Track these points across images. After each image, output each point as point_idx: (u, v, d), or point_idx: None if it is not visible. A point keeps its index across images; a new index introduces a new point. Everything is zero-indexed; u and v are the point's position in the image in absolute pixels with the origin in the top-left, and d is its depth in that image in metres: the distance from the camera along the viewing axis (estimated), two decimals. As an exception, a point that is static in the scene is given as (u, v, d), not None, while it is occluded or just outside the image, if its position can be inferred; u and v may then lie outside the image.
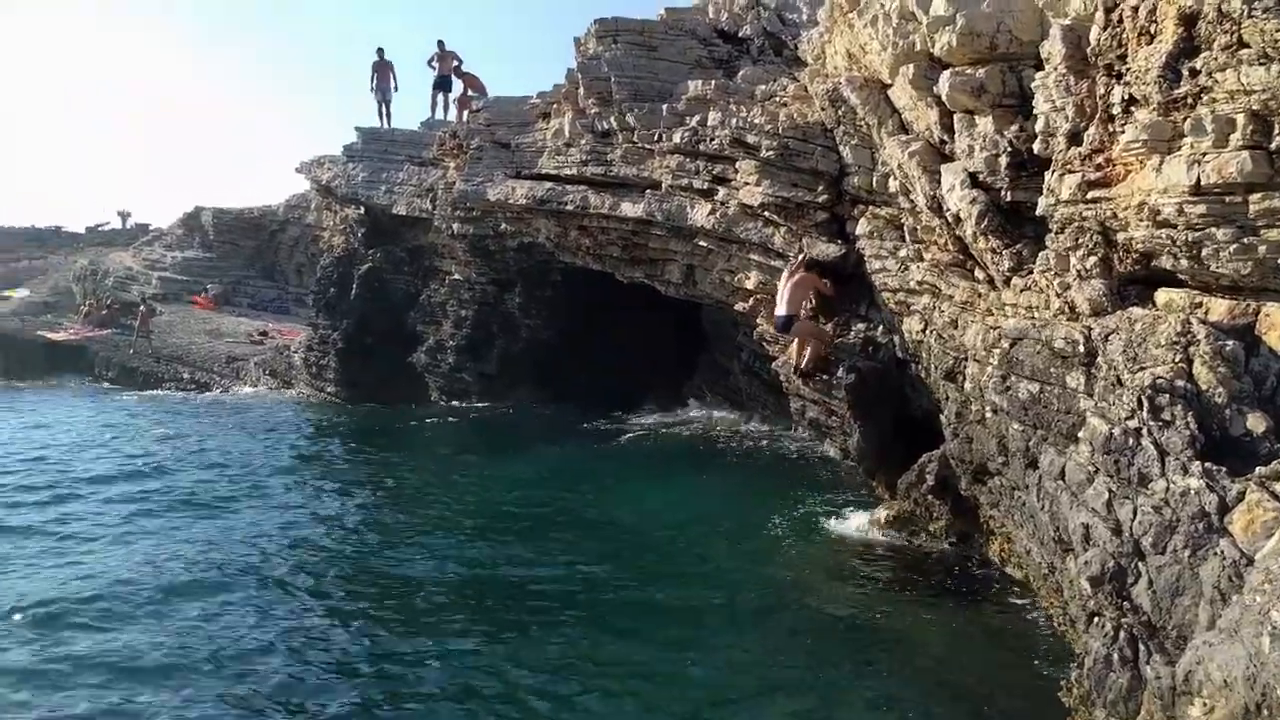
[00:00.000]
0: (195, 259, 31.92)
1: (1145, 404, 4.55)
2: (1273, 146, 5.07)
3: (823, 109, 10.70)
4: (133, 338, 25.85)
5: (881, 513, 9.07)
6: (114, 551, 8.85)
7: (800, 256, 10.68)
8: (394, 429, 16.52)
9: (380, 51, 22.22)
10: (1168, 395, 4.54)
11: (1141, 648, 3.98)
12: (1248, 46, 5.24)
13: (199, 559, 8.56)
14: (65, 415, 18.93)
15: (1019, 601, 7.01)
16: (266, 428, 16.69)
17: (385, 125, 22.30)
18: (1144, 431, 4.45)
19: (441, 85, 21.40)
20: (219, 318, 28.03)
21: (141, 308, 26.42)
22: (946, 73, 8.34)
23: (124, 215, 45.84)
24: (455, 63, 21.12)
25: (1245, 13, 5.18)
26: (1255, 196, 5.09)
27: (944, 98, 8.41)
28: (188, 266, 31.65)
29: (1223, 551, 3.64)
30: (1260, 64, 5.12)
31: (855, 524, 9.21)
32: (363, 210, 20.88)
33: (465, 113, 19.90)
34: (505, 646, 6.59)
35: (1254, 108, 5.14)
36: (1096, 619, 4.30)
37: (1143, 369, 4.88)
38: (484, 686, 5.99)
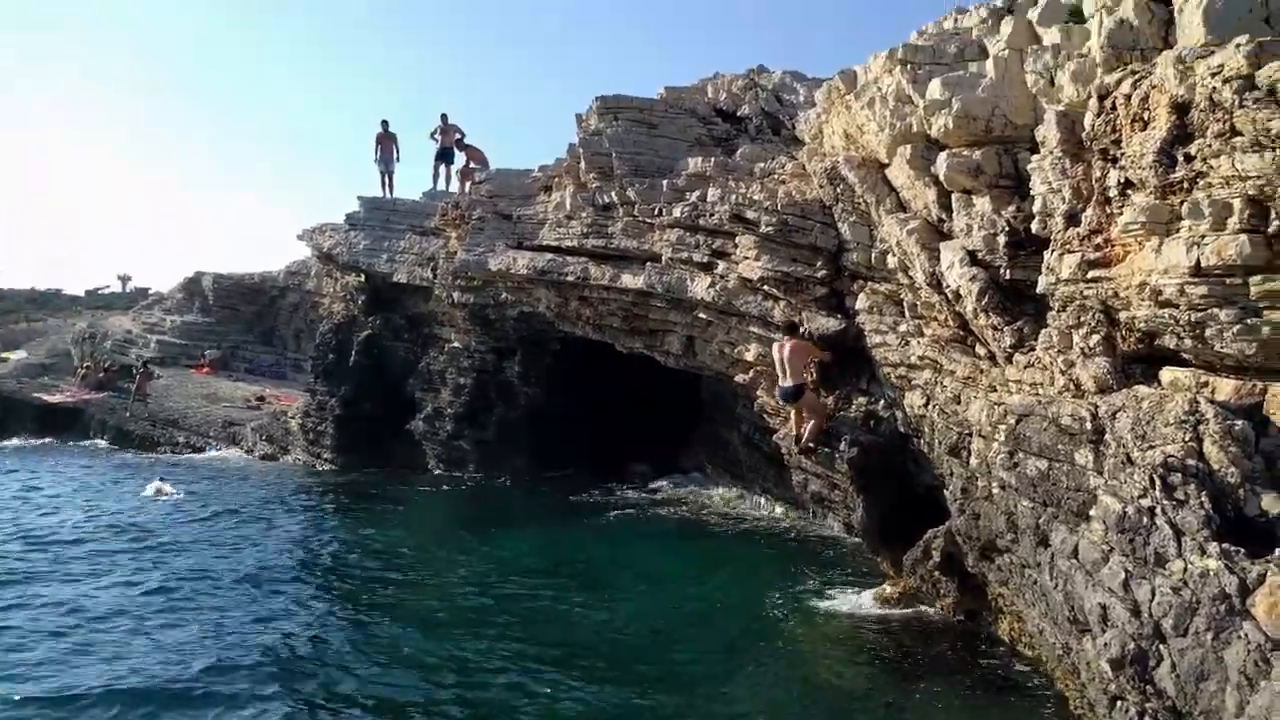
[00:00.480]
0: (195, 323, 31.98)
1: (1158, 482, 4.56)
2: (1270, 230, 5.20)
3: (821, 187, 10.93)
4: (129, 400, 25.73)
5: (887, 589, 8.98)
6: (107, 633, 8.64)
7: (795, 328, 10.67)
8: (388, 497, 16.34)
9: (384, 124, 22.70)
10: (1180, 474, 4.56)
11: (1167, 734, 3.93)
12: (1240, 135, 5.41)
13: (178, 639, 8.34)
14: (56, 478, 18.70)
15: (1030, 681, 6.91)
16: (260, 497, 16.49)
17: (388, 195, 22.64)
18: (1158, 510, 4.45)
19: (444, 157, 21.81)
20: (216, 382, 27.95)
21: (139, 371, 26.37)
22: (943, 154, 8.57)
23: (124, 279, 46.18)
24: (458, 135, 21.57)
25: (1236, 103, 5.37)
26: (1255, 279, 5.20)
27: (941, 178, 8.62)
28: (187, 331, 31.69)
29: (1247, 635, 3.62)
30: (1254, 151, 5.28)
31: (860, 602, 9.10)
32: (363, 278, 21.06)
33: (468, 184, 20.24)
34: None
35: (1250, 193, 5.29)
36: (1119, 703, 4.25)
37: (1153, 447, 4.91)
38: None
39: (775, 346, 10.69)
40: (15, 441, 25.55)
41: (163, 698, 6.88)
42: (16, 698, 6.82)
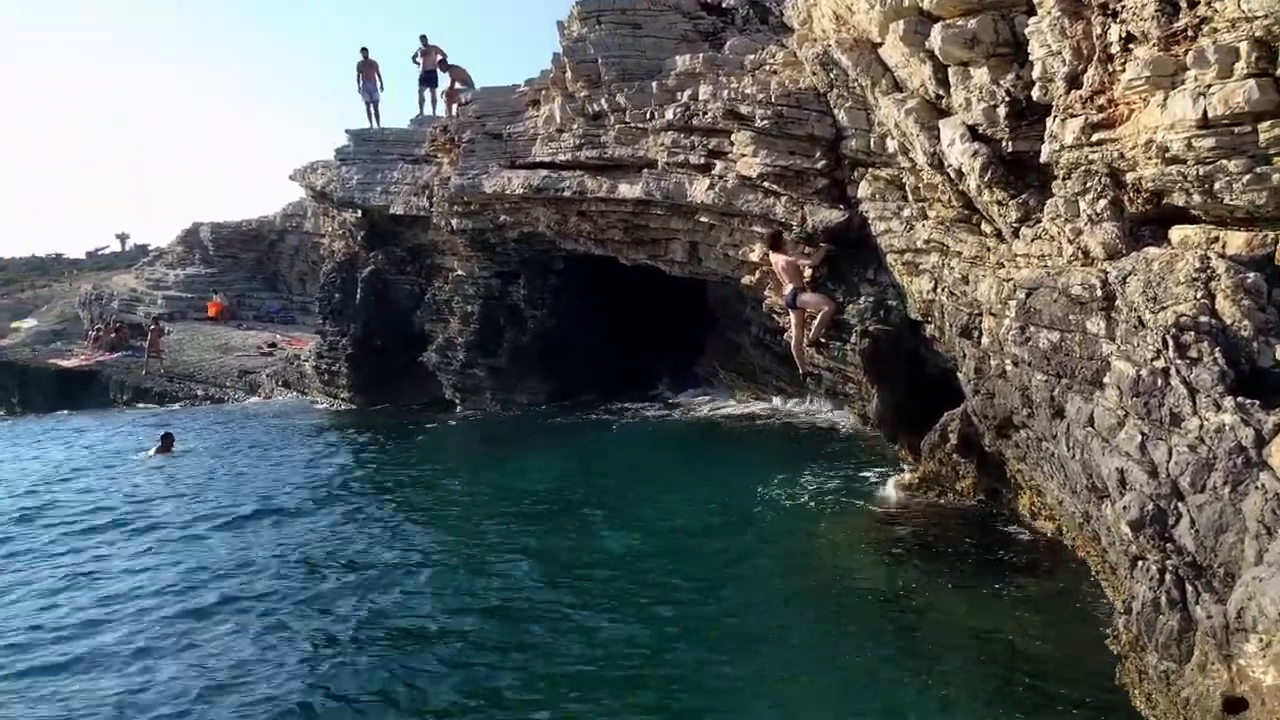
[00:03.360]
0: (197, 275, 31.97)
1: (1171, 343, 4.50)
2: (1279, 73, 4.99)
3: (814, 74, 10.59)
4: (143, 359, 25.95)
5: (907, 475, 9.06)
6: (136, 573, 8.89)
7: (778, 240, 10.88)
8: (408, 430, 16.53)
9: (364, 51, 22.07)
10: (1193, 332, 4.49)
11: (1189, 588, 3.96)
12: (1247, -28, 5.15)
13: (218, 575, 8.56)
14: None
15: (1050, 555, 7.01)
16: (283, 440, 16.73)
17: (375, 125, 22.17)
18: (1172, 371, 4.40)
19: (427, 80, 21.24)
20: (227, 332, 28.11)
21: (150, 328, 26.51)
22: (937, 26, 8.23)
23: (122, 237, 46.09)
24: (439, 57, 20.97)
25: (1243, -62, 5.08)
26: (1265, 125, 5.01)
27: (937, 52, 8.30)
28: (190, 283, 31.71)
29: (1264, 485, 3.61)
30: (1261, -11, 5.03)
31: (882, 490, 9.20)
32: (360, 213, 20.82)
33: (454, 106, 19.76)
34: (541, 636, 6.62)
35: (1257, 34, 5.05)
36: (1140, 563, 4.28)
37: (1164, 308, 4.83)
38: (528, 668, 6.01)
39: (772, 259, 10.85)
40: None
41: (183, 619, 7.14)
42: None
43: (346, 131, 21.86)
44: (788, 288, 10.64)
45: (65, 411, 24.77)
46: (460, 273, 18.76)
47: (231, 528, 10.22)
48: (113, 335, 28.55)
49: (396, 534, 9.67)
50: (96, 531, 10.45)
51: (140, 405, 24.57)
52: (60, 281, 40.07)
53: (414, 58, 21.25)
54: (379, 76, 22.15)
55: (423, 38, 21.14)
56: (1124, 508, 4.35)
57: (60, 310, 35.47)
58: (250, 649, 6.71)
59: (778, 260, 10.77)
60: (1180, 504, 4.01)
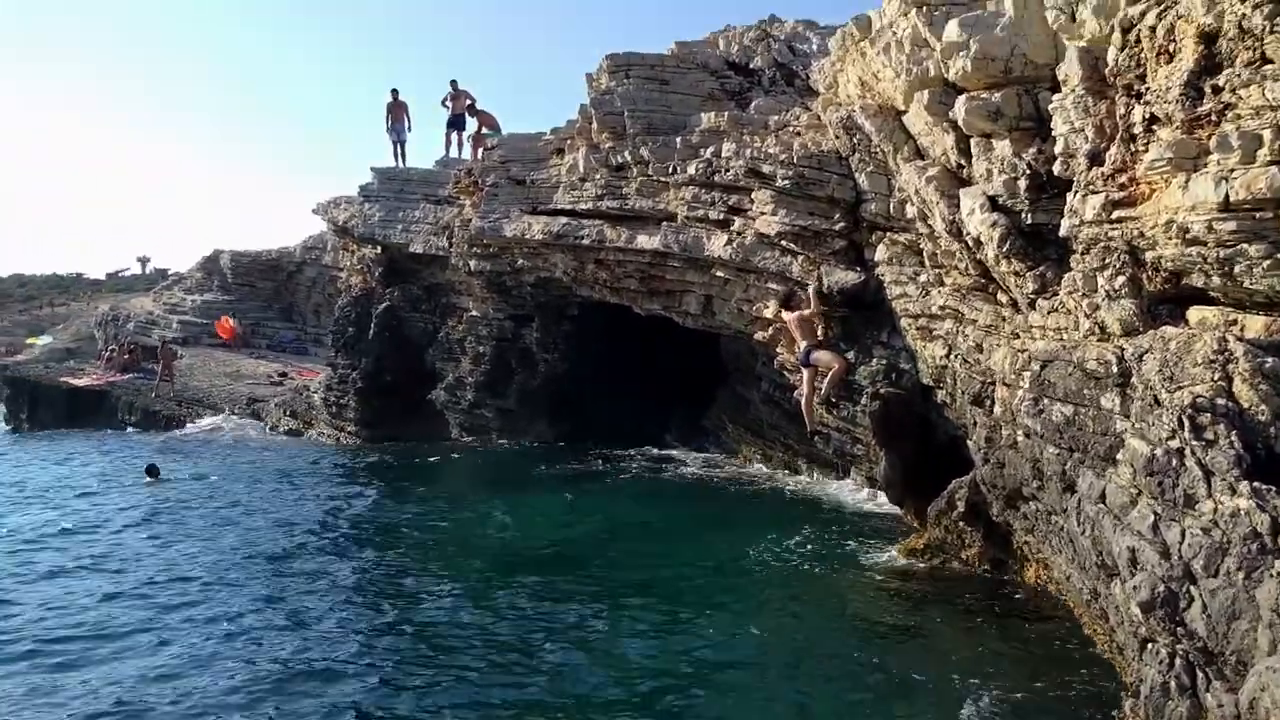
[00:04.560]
0: (214, 302, 32.22)
1: (1187, 424, 4.47)
2: (1302, 161, 5.03)
3: (837, 137, 10.74)
4: (155, 381, 26.04)
5: (913, 541, 8.95)
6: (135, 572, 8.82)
7: (791, 299, 11.23)
8: (412, 468, 16.47)
9: (394, 92, 22.52)
10: (1209, 414, 4.47)
11: (1199, 675, 3.88)
12: (1272, 62, 5.23)
13: (218, 604, 8.49)
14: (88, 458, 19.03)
15: (1057, 628, 6.88)
16: (286, 470, 16.68)
17: (400, 165, 22.54)
18: (1187, 452, 4.37)
19: (455, 124, 21.62)
20: (239, 359, 28.21)
21: (162, 350, 26.60)
22: (962, 98, 8.37)
23: (144, 260, 46.63)
24: (468, 101, 21.37)
25: (1268, 29, 5.17)
26: (1286, 212, 5.04)
27: (960, 122, 8.43)
28: (207, 309, 31.94)
29: (1279, 572, 3.55)
30: (1285, 79, 5.10)
31: (886, 555, 9.09)
32: (379, 249, 21.04)
33: (480, 150, 20.09)
34: (530, 690, 6.50)
35: (1280, 122, 5.12)
36: (1150, 645, 4.20)
37: (1181, 388, 4.81)
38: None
39: (785, 317, 11.13)
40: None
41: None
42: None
43: (372, 169, 22.22)
44: (801, 345, 10.75)
45: (65, 430, 24.82)
46: (475, 313, 18.87)
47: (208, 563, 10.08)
48: (126, 356, 28.68)
49: (353, 564, 9.62)
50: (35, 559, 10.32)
51: (140, 430, 24.57)
52: (79, 300, 40.48)
53: (443, 101, 21.66)
54: (408, 117, 22.58)
55: (453, 82, 21.58)
56: (1134, 588, 4.29)
57: (76, 329, 35.75)
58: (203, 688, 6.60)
59: (791, 319, 11.01)
60: (1193, 587, 3.95)
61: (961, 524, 8.41)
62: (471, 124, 21.16)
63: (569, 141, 16.69)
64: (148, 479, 15.38)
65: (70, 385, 27.63)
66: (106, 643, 7.49)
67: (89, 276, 46.67)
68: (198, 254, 38.02)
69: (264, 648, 7.29)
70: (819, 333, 10.84)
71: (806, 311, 10.80)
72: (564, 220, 15.34)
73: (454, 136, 21.80)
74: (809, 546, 9.61)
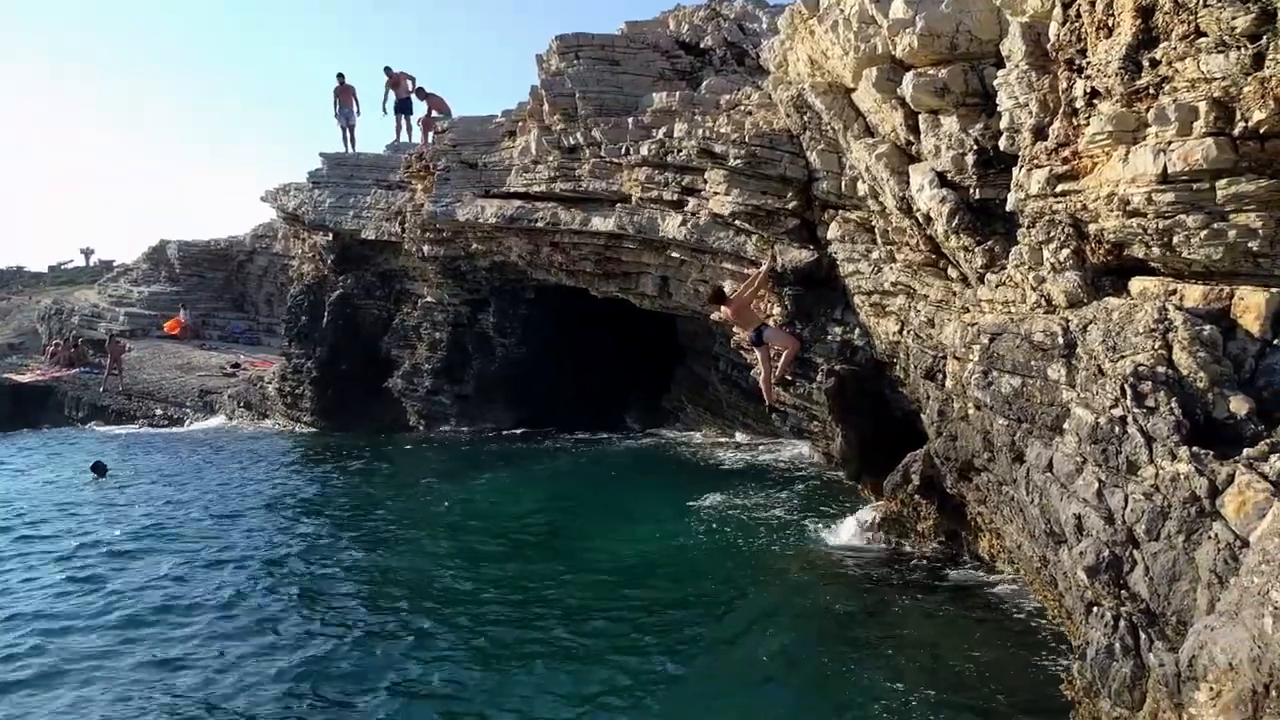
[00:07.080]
0: (162, 293, 31.48)
1: (1128, 392, 4.57)
2: (1236, 132, 5.13)
3: (788, 116, 10.75)
4: (103, 375, 25.40)
5: (869, 515, 9.07)
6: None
7: (720, 293, 11.10)
8: (368, 456, 16.29)
9: (340, 76, 22.08)
10: (1150, 382, 4.56)
11: (1143, 635, 3.98)
12: (1205, 35, 5.31)
13: (176, 592, 8.37)
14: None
15: (1010, 596, 7.04)
16: (243, 461, 16.40)
17: (350, 150, 22.14)
18: (1129, 419, 4.46)
19: (403, 108, 21.28)
20: (190, 351, 27.63)
21: (110, 344, 25.95)
22: (909, 74, 8.40)
23: (87, 252, 45.33)
24: (412, 84, 20.99)
25: (1201, 2, 5.25)
26: (1222, 182, 5.14)
27: (908, 99, 8.47)
28: (155, 301, 31.20)
29: (1216, 534, 3.65)
30: (1219, 52, 5.18)
31: (843, 529, 9.20)
32: (331, 236, 20.70)
33: (430, 134, 19.80)
34: (498, 674, 6.49)
35: (1215, 95, 5.20)
36: (1095, 609, 4.30)
37: (1123, 357, 4.91)
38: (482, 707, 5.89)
39: (723, 312, 11.01)
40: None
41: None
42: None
43: (321, 155, 21.80)
44: (750, 330, 10.66)
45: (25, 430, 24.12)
46: (430, 299, 18.67)
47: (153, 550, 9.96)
48: (71, 351, 27.95)
49: (323, 554, 9.54)
50: None
51: (96, 426, 23.96)
52: (20, 294, 39.27)
53: (384, 98, 21.21)
54: (356, 101, 22.16)
55: (386, 69, 21.14)
56: (1080, 553, 4.38)
57: (18, 323, 34.69)
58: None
59: (728, 312, 10.86)
60: (1135, 551, 4.05)
61: (917, 497, 8.53)
62: (421, 107, 20.85)
63: (521, 124, 16.53)
64: (94, 476, 15.03)
65: (13, 382, 26.86)
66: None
67: (30, 269, 45.29)
68: (143, 244, 37.08)
69: (200, 640, 7.22)
70: (762, 310, 10.80)
71: (746, 294, 10.71)
72: (517, 203, 15.21)
73: (403, 120, 21.48)
74: (766, 524, 9.72)
